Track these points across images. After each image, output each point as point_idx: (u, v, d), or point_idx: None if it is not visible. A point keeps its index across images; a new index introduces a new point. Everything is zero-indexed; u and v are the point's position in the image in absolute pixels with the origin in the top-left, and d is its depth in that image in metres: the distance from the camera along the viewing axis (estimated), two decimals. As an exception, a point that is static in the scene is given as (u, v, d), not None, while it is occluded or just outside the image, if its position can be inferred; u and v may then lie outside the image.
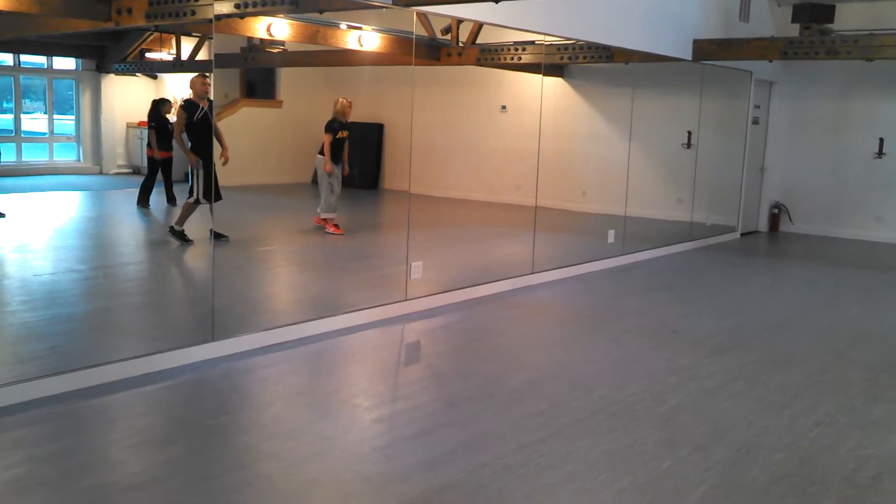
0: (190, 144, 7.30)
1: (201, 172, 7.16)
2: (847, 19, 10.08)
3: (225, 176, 7.42)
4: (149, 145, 7.88)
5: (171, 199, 8.10)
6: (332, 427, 4.03)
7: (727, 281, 8.56)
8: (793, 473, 3.67)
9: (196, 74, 7.47)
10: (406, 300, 6.35)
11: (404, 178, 6.64)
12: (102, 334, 5.45)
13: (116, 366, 4.53)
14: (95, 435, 3.87)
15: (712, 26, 9.77)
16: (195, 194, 7.18)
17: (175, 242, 7.55)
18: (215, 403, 4.32)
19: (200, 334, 5.02)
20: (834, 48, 8.85)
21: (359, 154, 10.28)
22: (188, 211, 7.35)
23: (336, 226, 8.77)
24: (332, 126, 8.48)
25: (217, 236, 7.44)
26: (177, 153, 7.80)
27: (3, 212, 7.67)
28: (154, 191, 8.04)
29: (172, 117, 7.88)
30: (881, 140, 10.97)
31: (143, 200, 8.13)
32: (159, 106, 7.92)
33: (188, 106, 7.28)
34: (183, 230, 7.45)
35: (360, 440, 3.92)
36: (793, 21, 9.59)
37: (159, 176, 7.95)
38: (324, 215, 8.71)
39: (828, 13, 9.29)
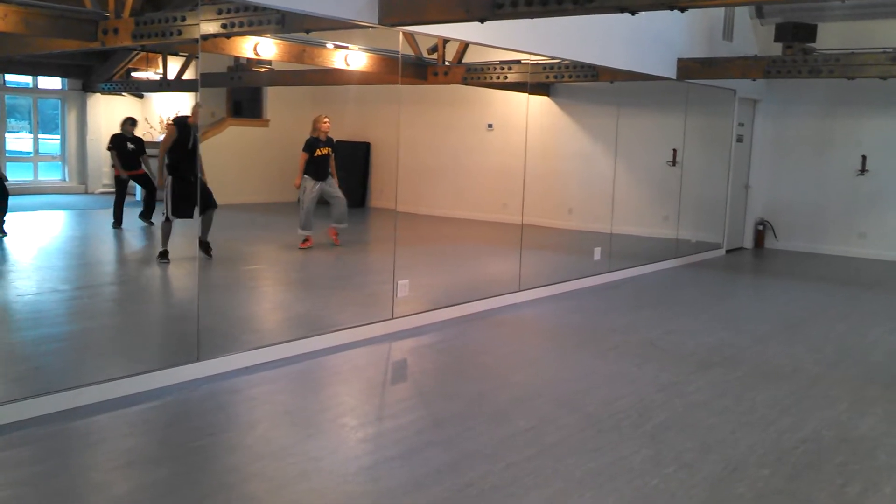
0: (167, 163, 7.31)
1: (169, 192, 7.20)
2: (829, 38, 10.21)
3: (213, 195, 7.41)
4: (113, 165, 7.89)
5: (149, 217, 8.12)
6: (318, 447, 4.01)
7: (713, 297, 8.59)
8: (780, 490, 3.67)
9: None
10: (393, 318, 6.34)
11: (391, 197, 6.66)
12: (86, 355, 5.41)
13: (101, 387, 4.49)
14: (79, 457, 3.84)
15: (696, 45, 9.87)
16: (166, 214, 7.24)
17: (163, 264, 7.54)
18: (201, 424, 4.29)
19: (186, 354, 4.99)
20: (816, 67, 8.96)
21: (346, 172, 10.29)
22: (165, 231, 7.39)
23: (306, 240, 8.79)
24: (309, 144, 8.54)
25: (205, 248, 7.45)
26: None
27: (6, 231, 7.61)
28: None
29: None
30: (864, 157, 11.08)
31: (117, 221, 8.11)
32: (123, 126, 7.92)
33: (182, 126, 7.27)
34: (166, 250, 7.46)
35: (346, 460, 3.90)
36: (775, 40, 9.71)
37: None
38: (301, 232, 8.71)
39: (810, 32, 9.40)
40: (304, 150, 8.56)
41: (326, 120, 8.63)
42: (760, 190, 12.02)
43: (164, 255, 7.48)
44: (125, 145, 7.86)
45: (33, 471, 3.60)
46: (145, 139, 8.21)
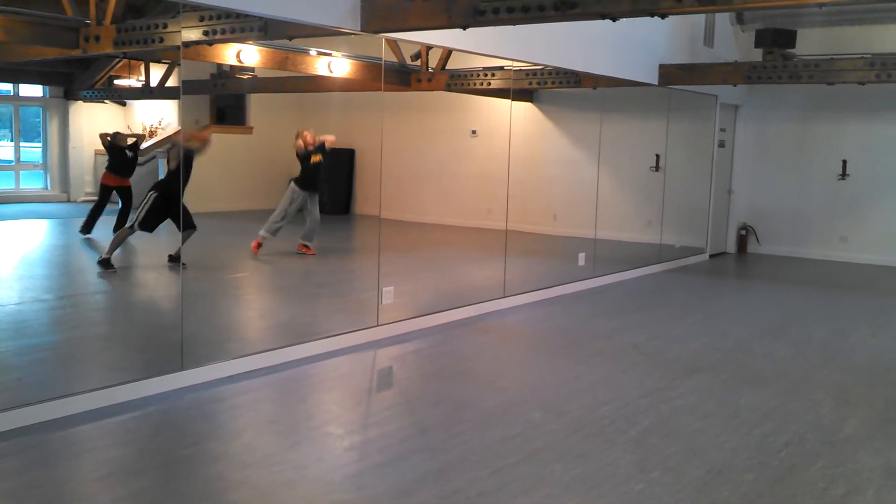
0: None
1: (149, 205, 7.20)
2: (808, 44, 10.31)
3: (196, 202, 7.38)
4: (108, 168, 7.82)
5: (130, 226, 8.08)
6: (303, 455, 4.00)
7: (696, 302, 8.64)
8: (763, 493, 3.69)
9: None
10: (378, 325, 6.33)
11: (375, 203, 6.66)
12: (69, 365, 5.37)
13: (83, 397, 4.46)
14: (61, 468, 3.80)
15: (678, 51, 9.94)
16: (133, 223, 7.22)
17: (107, 271, 7.48)
18: (185, 433, 4.27)
19: (170, 363, 4.96)
20: (796, 72, 9.04)
21: (330, 179, 10.27)
22: (122, 239, 7.35)
23: (307, 246, 8.78)
24: (301, 155, 8.56)
25: (174, 259, 7.40)
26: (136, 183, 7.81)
27: None
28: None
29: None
30: (844, 162, 11.19)
31: (87, 228, 8.03)
32: (114, 139, 7.89)
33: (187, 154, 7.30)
34: (109, 258, 7.40)
35: (331, 468, 3.89)
36: (756, 46, 9.79)
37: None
38: (262, 232, 8.66)
39: (789, 38, 9.49)
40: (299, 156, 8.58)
41: (308, 136, 8.66)
42: (743, 195, 12.11)
43: (107, 262, 7.40)
44: (124, 153, 7.82)
45: (16, 483, 3.57)
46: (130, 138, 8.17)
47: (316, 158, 8.61)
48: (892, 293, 9.37)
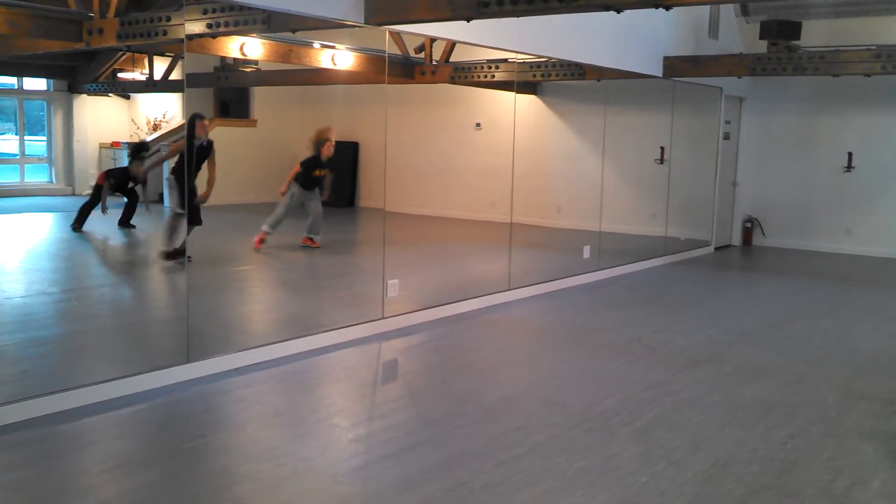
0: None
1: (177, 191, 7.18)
2: (813, 36, 10.27)
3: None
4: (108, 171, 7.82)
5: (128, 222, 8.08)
6: (308, 448, 4.01)
7: (701, 295, 8.63)
8: (768, 486, 3.70)
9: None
10: (382, 318, 6.34)
11: (380, 196, 6.65)
12: (75, 358, 5.39)
13: (89, 389, 4.48)
14: (67, 461, 3.82)
15: (682, 43, 9.91)
16: (174, 210, 7.20)
17: (169, 263, 7.47)
18: (190, 426, 4.28)
19: (175, 356, 4.98)
20: (801, 64, 9.01)
21: (334, 173, 10.27)
22: (173, 227, 7.33)
23: (312, 239, 8.79)
24: (308, 164, 8.51)
25: (178, 253, 7.38)
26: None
27: None
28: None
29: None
30: (849, 154, 11.15)
31: (79, 223, 8.03)
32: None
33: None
34: (177, 249, 7.38)
35: (337, 461, 3.90)
36: (760, 38, 9.76)
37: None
38: (264, 228, 8.65)
39: (794, 30, 9.46)
40: (301, 163, 8.52)
41: (331, 146, 8.61)
42: (748, 187, 12.08)
43: (180, 252, 7.35)
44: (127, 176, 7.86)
45: (21, 475, 3.59)
46: (132, 140, 8.18)
47: (320, 172, 8.61)
48: (897, 285, 9.36)
